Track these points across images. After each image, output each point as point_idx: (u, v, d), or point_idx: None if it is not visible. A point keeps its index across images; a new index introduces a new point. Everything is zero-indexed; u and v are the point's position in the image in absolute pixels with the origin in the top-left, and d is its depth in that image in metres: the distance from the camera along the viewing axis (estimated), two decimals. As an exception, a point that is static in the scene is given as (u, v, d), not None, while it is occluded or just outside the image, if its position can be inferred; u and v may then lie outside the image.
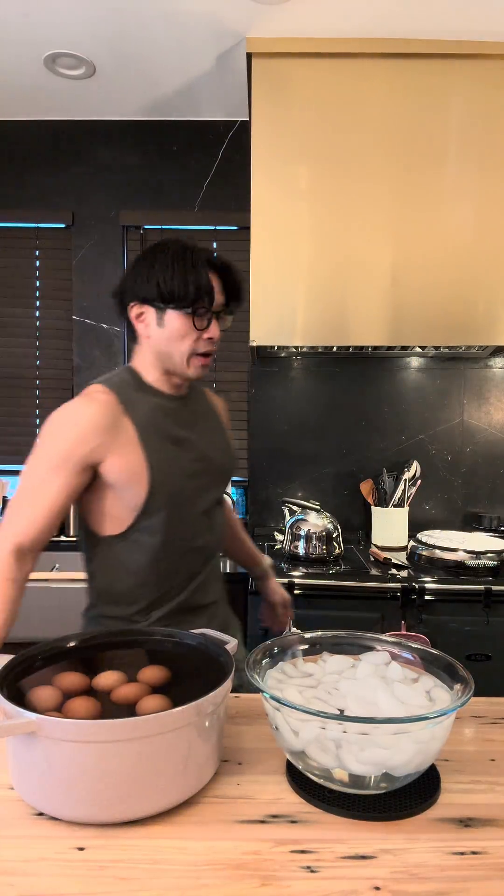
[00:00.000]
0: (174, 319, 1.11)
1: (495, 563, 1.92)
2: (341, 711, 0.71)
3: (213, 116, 2.52)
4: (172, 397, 1.20)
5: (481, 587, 1.82)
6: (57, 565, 2.29)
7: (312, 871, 0.59)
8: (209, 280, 1.10)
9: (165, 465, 1.12)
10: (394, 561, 2.05)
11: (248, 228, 2.10)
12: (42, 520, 1.06)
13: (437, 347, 2.13)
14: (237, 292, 1.18)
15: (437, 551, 1.99)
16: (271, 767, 0.77)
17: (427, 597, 1.83)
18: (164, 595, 1.16)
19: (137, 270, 1.13)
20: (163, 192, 2.55)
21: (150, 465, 1.10)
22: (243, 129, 2.50)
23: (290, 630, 1.74)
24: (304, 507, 2.16)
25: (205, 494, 1.21)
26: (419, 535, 2.16)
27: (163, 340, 1.13)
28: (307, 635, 0.89)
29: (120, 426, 1.09)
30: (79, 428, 1.07)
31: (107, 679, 0.76)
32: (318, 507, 2.14)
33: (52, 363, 2.63)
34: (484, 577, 1.88)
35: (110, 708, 0.71)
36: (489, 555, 1.93)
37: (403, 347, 2.14)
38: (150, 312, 1.13)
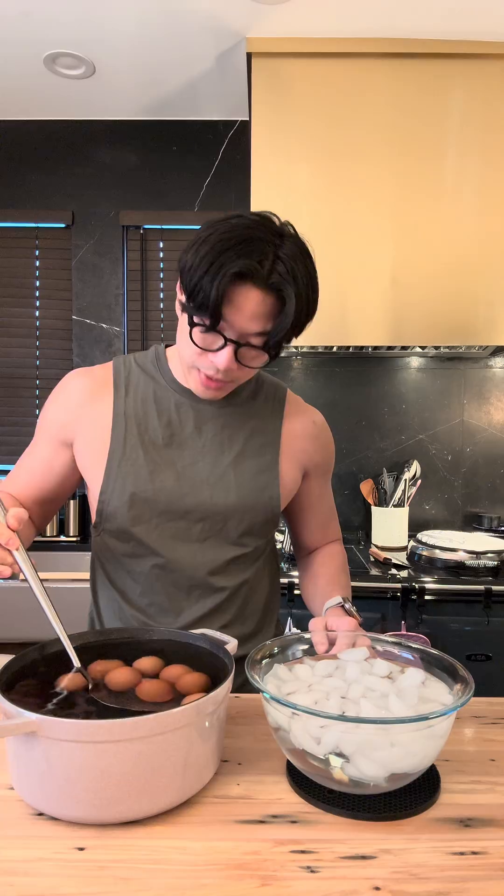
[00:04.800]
0: (184, 318, 0.91)
1: (495, 563, 1.92)
2: (343, 713, 0.71)
3: (213, 116, 2.52)
4: (189, 392, 1.02)
5: (481, 587, 1.82)
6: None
7: (312, 871, 0.59)
8: (221, 297, 0.83)
9: (128, 465, 0.98)
10: (394, 561, 2.05)
11: (248, 228, 2.10)
12: (25, 477, 1.04)
13: (437, 347, 2.14)
14: (282, 331, 0.87)
15: (437, 551, 1.99)
16: (271, 767, 0.77)
17: (427, 597, 1.83)
18: (147, 624, 1.02)
19: (196, 237, 0.87)
20: (163, 192, 2.55)
21: (109, 460, 0.98)
22: (243, 129, 2.50)
23: (289, 630, 1.74)
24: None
25: (194, 525, 1.00)
26: (419, 535, 2.16)
27: (178, 332, 0.95)
28: (307, 635, 0.89)
29: (99, 409, 1.00)
30: (58, 398, 1.03)
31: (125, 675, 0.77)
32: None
33: (51, 363, 2.63)
34: (484, 577, 1.88)
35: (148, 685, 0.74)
36: (489, 555, 1.93)
37: (403, 347, 2.14)
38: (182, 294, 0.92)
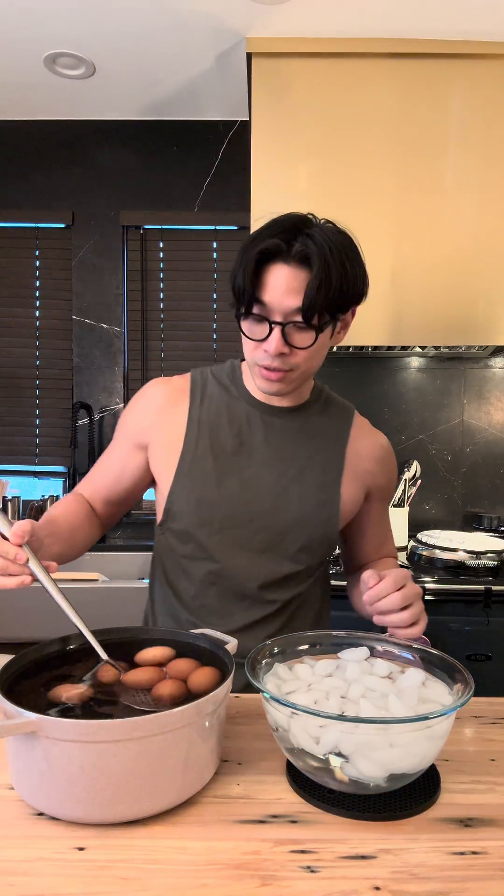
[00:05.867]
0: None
1: (495, 563, 1.92)
2: (343, 713, 0.71)
3: (213, 116, 2.52)
4: (259, 404, 1.06)
5: (481, 587, 1.82)
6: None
7: (312, 871, 0.59)
8: (250, 278, 0.89)
9: (198, 470, 1.02)
10: (394, 561, 2.05)
11: (248, 228, 2.10)
12: (100, 477, 1.11)
13: (437, 347, 2.14)
14: (318, 295, 0.88)
15: (437, 551, 1.99)
16: (271, 767, 0.77)
17: (427, 597, 1.83)
18: (196, 625, 1.06)
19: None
20: (163, 192, 2.55)
21: (180, 463, 1.03)
22: (243, 129, 2.50)
23: None
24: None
25: (255, 535, 1.03)
26: (419, 535, 2.16)
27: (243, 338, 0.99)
28: (307, 634, 0.89)
29: (175, 415, 1.05)
30: (138, 404, 1.10)
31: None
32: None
33: (51, 363, 2.63)
34: (484, 577, 1.88)
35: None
36: (489, 555, 1.93)
37: (403, 347, 2.14)
38: None
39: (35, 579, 0.80)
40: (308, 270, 0.88)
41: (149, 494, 1.19)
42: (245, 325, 0.94)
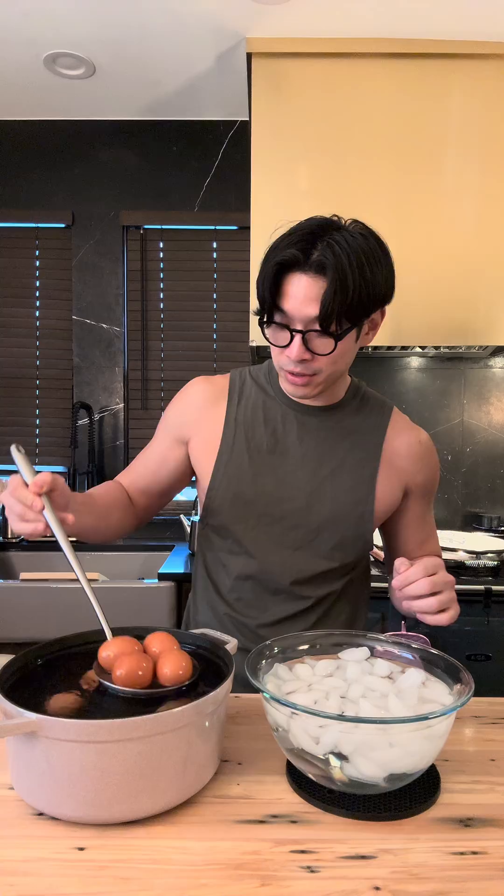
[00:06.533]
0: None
1: (495, 563, 1.92)
2: (343, 713, 0.71)
3: (213, 116, 2.52)
4: (294, 404, 1.08)
5: (481, 587, 1.82)
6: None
7: (312, 871, 0.59)
8: (269, 288, 0.92)
9: (234, 467, 1.05)
10: (394, 561, 2.05)
11: (248, 228, 2.10)
12: (140, 468, 1.15)
13: (437, 347, 2.13)
14: (333, 303, 0.88)
15: (437, 551, 1.99)
16: (271, 767, 0.77)
17: (427, 597, 1.83)
18: (233, 617, 1.09)
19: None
20: (163, 192, 2.55)
21: (218, 460, 1.07)
22: (243, 129, 2.50)
23: None
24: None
25: (289, 532, 1.06)
26: (419, 535, 2.15)
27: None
28: (307, 635, 0.89)
29: (214, 413, 1.09)
30: (180, 401, 1.13)
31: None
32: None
33: (51, 363, 2.63)
34: (484, 577, 1.88)
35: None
36: (489, 555, 1.93)
37: (403, 347, 2.14)
38: None
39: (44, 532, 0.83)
40: (324, 278, 0.89)
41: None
42: (269, 332, 0.97)
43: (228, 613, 1.10)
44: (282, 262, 0.90)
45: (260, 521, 1.05)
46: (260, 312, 0.96)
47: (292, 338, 0.93)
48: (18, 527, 0.84)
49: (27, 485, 0.84)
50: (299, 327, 0.93)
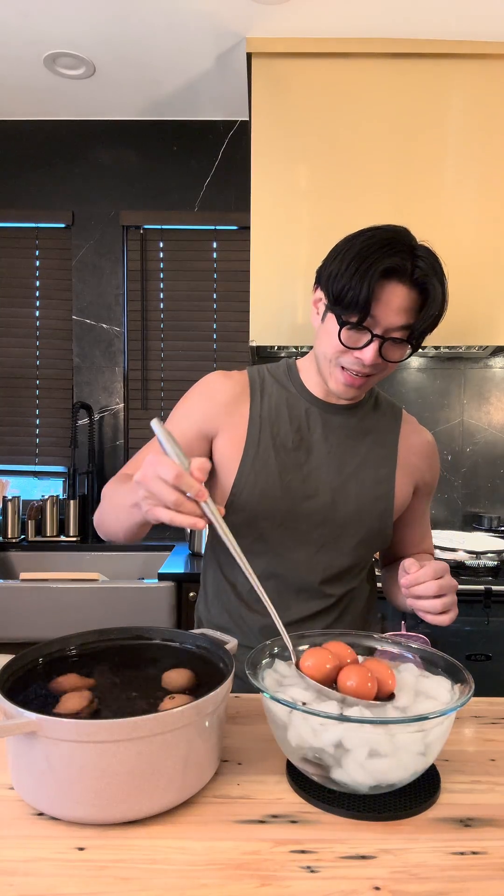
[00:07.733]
0: (331, 321, 0.99)
1: (495, 563, 1.92)
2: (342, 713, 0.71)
3: (213, 116, 2.52)
4: (318, 402, 1.09)
5: (481, 587, 1.82)
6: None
7: (312, 871, 0.59)
8: (370, 295, 0.92)
9: (261, 464, 1.05)
10: (394, 561, 2.05)
11: (248, 228, 2.11)
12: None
13: (437, 347, 2.13)
14: (427, 321, 0.96)
15: (437, 551, 1.99)
16: (271, 767, 0.77)
17: (427, 597, 1.83)
18: (253, 618, 1.09)
19: (336, 249, 0.99)
20: (163, 192, 2.55)
21: (244, 457, 1.05)
22: (243, 129, 2.50)
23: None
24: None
25: (314, 529, 1.06)
26: (419, 535, 2.16)
27: (319, 337, 1.03)
28: (307, 634, 0.89)
29: (239, 409, 1.07)
30: (204, 392, 1.09)
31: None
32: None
33: (51, 363, 2.63)
34: (484, 577, 1.88)
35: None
36: (489, 555, 1.93)
37: (403, 347, 2.14)
38: (321, 302, 1.02)
39: (208, 522, 0.74)
40: (420, 294, 0.95)
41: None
42: (344, 332, 0.97)
43: (247, 615, 1.09)
44: (388, 269, 0.92)
45: (286, 518, 1.06)
46: (340, 310, 0.95)
47: (370, 341, 0.95)
48: (174, 518, 0.73)
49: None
50: (380, 332, 0.95)
